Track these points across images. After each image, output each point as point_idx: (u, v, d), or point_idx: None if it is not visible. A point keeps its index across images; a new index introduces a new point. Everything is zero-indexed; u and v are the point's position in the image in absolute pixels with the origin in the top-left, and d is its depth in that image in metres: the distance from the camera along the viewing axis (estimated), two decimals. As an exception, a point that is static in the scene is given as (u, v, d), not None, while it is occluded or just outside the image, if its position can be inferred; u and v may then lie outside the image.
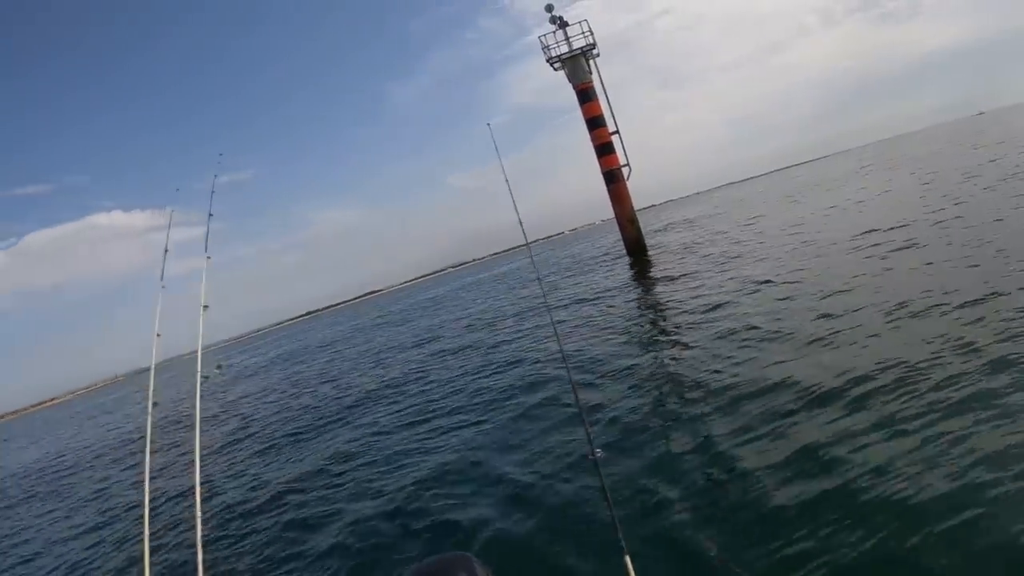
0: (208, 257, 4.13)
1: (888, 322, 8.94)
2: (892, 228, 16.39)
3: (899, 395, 6.41)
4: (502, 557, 5.59)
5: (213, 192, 4.62)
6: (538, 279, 6.67)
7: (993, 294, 8.68)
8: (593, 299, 19.73)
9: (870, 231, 16.96)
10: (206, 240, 4.25)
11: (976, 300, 8.62)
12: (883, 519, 4.46)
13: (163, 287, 4.03)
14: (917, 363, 7.05)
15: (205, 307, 3.96)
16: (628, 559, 2.59)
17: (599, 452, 3.28)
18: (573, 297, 21.33)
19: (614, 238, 31.18)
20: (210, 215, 4.47)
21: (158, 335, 3.90)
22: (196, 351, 3.96)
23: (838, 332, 9.15)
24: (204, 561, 3.16)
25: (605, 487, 3.12)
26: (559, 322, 16.60)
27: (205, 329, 3.95)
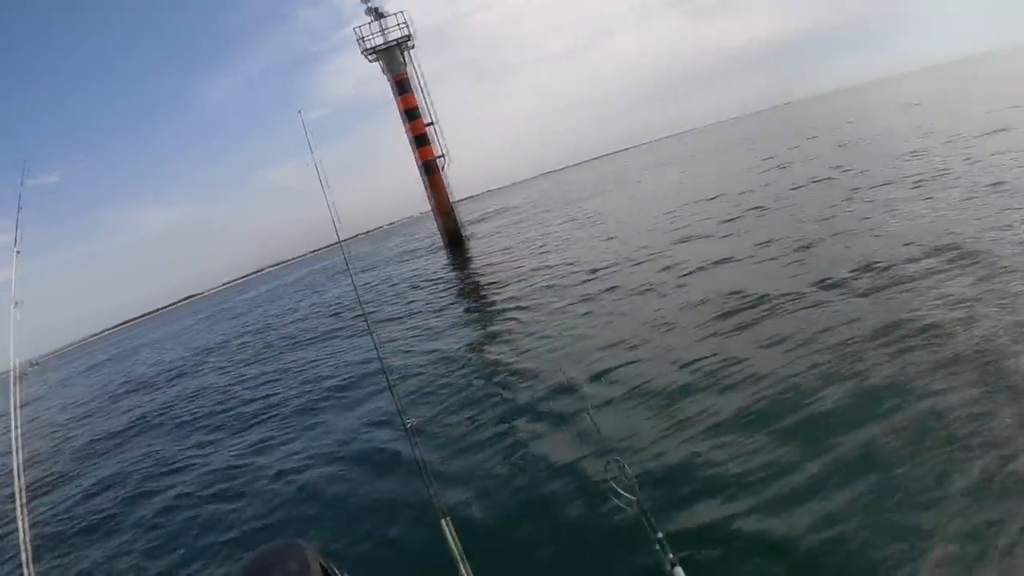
0: (17, 252, 3.91)
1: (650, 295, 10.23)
2: (669, 213, 18.10)
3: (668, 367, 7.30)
4: (329, 535, 5.79)
5: (22, 183, 4.50)
6: (350, 274, 6.81)
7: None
8: (409, 291, 20.07)
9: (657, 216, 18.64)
10: (16, 233, 4.05)
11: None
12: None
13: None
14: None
15: (17, 303, 3.71)
16: (444, 522, 2.80)
17: (411, 421, 3.44)
18: (388, 292, 21.50)
19: (433, 229, 31.43)
20: (19, 208, 4.26)
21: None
22: (8, 348, 3.80)
23: (603, 307, 10.68)
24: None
25: (419, 456, 3.28)
26: (371, 313, 16.86)
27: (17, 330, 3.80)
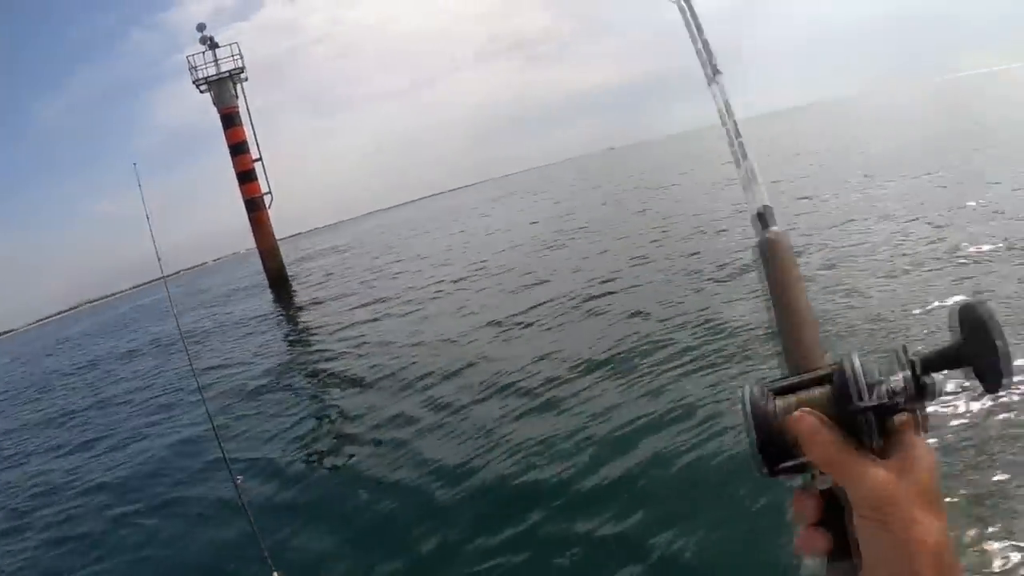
0: None
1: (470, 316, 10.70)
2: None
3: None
4: None
5: None
6: (175, 316, 6.59)
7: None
8: (232, 333, 19.57)
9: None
10: None
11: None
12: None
13: None
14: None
15: None
16: (275, 574, 2.88)
17: (240, 478, 3.44)
18: (211, 333, 20.78)
19: (258, 267, 30.57)
20: None
21: None
22: None
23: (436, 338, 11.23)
24: None
25: (247, 508, 3.32)
26: (196, 358, 16.18)
27: None
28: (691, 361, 7.09)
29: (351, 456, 7.38)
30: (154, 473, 9.09)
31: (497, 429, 6.76)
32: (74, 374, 22.83)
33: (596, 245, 16.25)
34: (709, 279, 10.29)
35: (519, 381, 8.04)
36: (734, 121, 0.86)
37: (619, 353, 8.03)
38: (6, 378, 29.49)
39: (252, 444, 8.74)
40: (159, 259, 6.02)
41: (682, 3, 0.97)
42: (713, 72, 0.92)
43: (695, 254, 12.38)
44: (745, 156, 0.82)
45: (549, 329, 10.21)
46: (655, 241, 14.92)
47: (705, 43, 0.95)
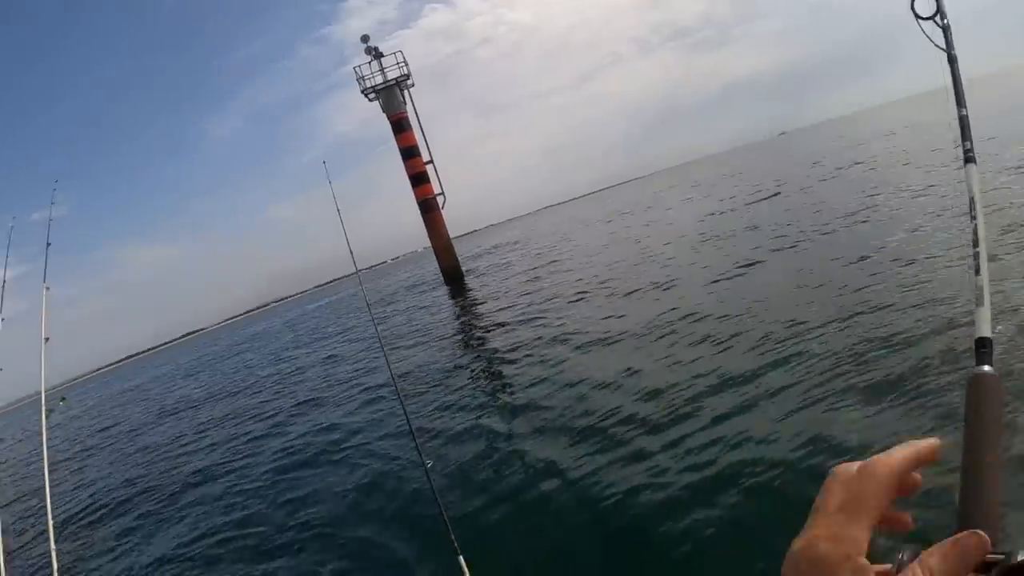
0: (47, 288, 4.04)
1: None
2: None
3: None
4: (341, 567, 5.83)
5: (51, 220, 4.58)
6: (367, 305, 6.72)
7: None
8: (414, 326, 20.05)
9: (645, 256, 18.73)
10: (44, 270, 4.17)
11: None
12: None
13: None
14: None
15: (47, 339, 3.87)
16: (461, 559, 2.80)
17: (429, 462, 3.50)
18: (395, 326, 21.49)
19: (435, 266, 31.60)
20: (48, 244, 4.44)
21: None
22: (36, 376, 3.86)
23: (622, 335, 10.54)
24: None
25: (436, 492, 3.31)
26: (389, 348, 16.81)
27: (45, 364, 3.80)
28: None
29: (539, 447, 7.08)
30: (347, 451, 9.38)
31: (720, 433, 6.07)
32: (270, 365, 24.51)
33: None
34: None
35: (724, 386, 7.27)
36: (980, 214, 0.89)
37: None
38: (218, 368, 31.86)
39: (441, 429, 8.77)
40: (351, 253, 6.31)
41: (949, 71, 1.04)
42: (966, 158, 0.91)
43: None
44: (978, 271, 0.83)
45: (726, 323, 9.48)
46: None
47: (964, 119, 0.97)
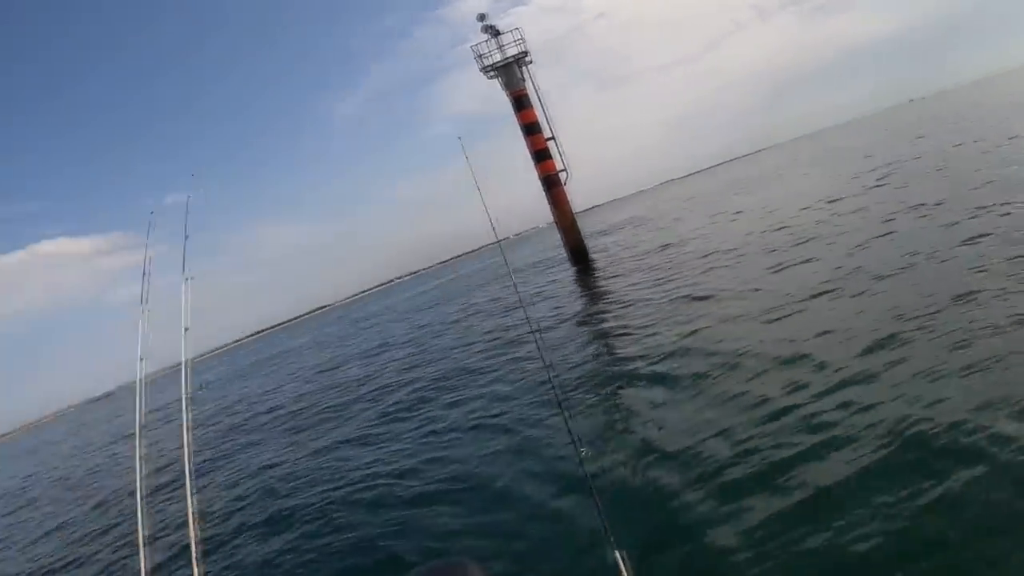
0: (187, 279, 4.13)
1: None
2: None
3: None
4: (497, 559, 5.62)
5: (188, 213, 4.64)
6: (510, 273, 6.32)
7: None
8: (544, 303, 19.77)
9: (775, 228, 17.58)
10: (183, 262, 4.22)
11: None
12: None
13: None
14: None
15: (186, 329, 3.94)
16: (619, 554, 2.59)
17: (584, 450, 3.33)
18: (533, 300, 21.33)
19: (557, 241, 31.35)
20: (186, 236, 4.48)
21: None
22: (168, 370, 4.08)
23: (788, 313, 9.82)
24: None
25: (591, 484, 3.15)
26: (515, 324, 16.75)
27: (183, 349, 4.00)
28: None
29: (700, 440, 6.57)
30: (499, 429, 9.28)
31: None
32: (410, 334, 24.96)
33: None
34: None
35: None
36: None
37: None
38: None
39: (594, 416, 8.46)
40: (493, 225, 6.10)
41: None
42: None
43: None
44: None
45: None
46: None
47: None
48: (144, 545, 3.38)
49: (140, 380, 3.91)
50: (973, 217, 11.57)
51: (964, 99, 76.37)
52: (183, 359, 3.94)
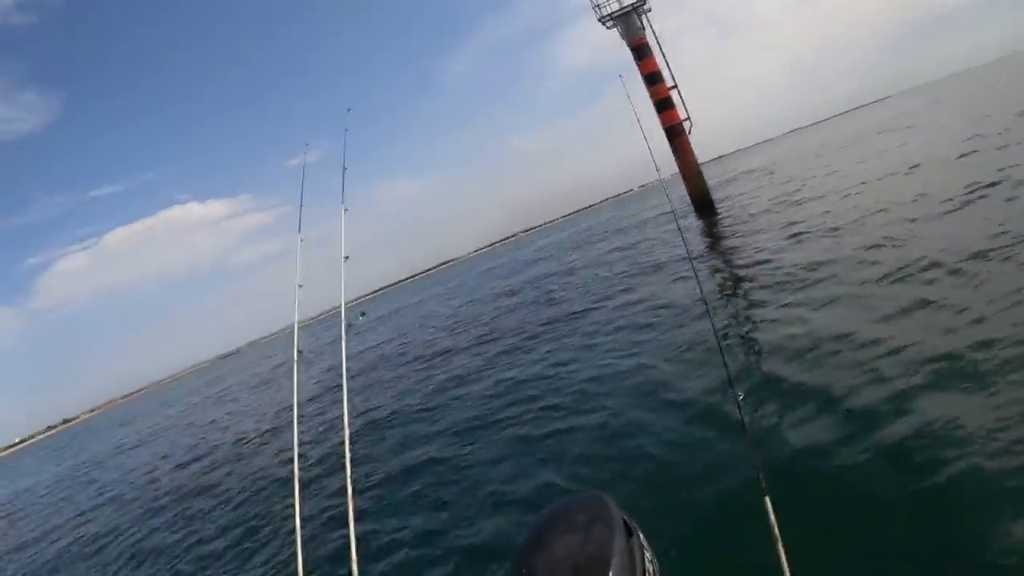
0: (345, 209, 4.42)
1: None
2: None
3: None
4: (641, 496, 5.69)
5: (345, 146, 4.97)
6: (675, 216, 6.20)
7: None
8: (673, 258, 19.51)
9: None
10: (342, 192, 4.56)
11: None
12: None
13: (301, 240, 4.45)
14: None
15: (346, 258, 4.20)
16: (768, 500, 2.57)
17: (740, 394, 3.29)
18: (654, 259, 21.18)
19: (682, 192, 30.69)
20: (344, 168, 4.84)
21: (300, 286, 4.25)
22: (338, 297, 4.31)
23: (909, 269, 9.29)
24: (354, 510, 3.27)
25: (746, 427, 3.11)
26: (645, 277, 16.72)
27: (342, 282, 4.21)
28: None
29: (863, 388, 6.27)
30: (654, 372, 9.22)
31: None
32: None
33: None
34: None
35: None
36: None
37: None
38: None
39: (750, 358, 8.39)
40: (656, 166, 6.26)
41: None
42: None
43: None
44: None
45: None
46: None
47: None
48: (298, 459, 3.75)
49: (297, 303, 4.26)
50: None
51: None
52: (342, 284, 4.17)
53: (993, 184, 12.51)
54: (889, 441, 5.17)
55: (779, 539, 2.41)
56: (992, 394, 5.28)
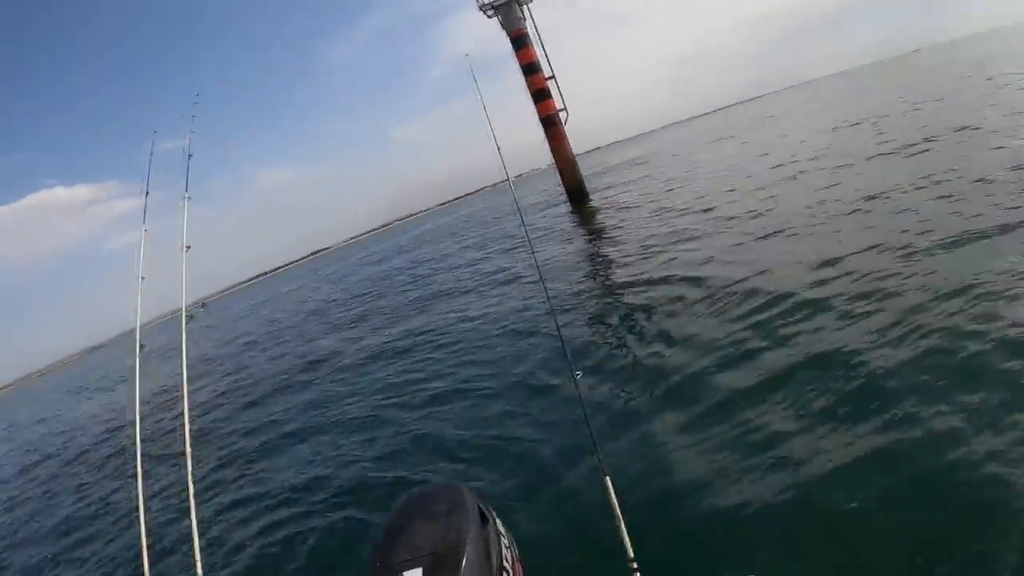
0: (188, 197, 4.29)
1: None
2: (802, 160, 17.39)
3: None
4: (488, 482, 5.79)
5: (191, 133, 4.91)
6: (520, 215, 6.03)
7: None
8: (546, 241, 20.10)
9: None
10: (186, 180, 4.49)
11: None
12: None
13: (145, 230, 4.19)
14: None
15: (187, 247, 4.10)
16: (609, 480, 2.70)
17: (579, 374, 3.37)
18: (515, 246, 21.76)
19: (556, 182, 31.46)
20: (189, 155, 4.76)
21: (142, 278, 4.05)
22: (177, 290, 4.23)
23: (761, 255, 10.18)
24: (197, 515, 3.38)
25: (584, 408, 3.21)
26: (502, 267, 17.23)
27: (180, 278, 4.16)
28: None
29: (684, 370, 6.83)
30: (496, 350, 9.73)
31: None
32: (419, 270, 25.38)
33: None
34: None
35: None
36: None
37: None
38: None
39: (589, 344, 8.71)
40: (503, 162, 6.01)
41: None
42: None
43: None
44: None
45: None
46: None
47: None
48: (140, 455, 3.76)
49: (139, 297, 4.03)
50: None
51: (948, 55, 74.44)
52: (182, 274, 4.08)
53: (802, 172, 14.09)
54: (716, 416, 5.66)
55: (620, 517, 2.55)
56: (804, 367, 5.97)
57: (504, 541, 2.12)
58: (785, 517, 4.10)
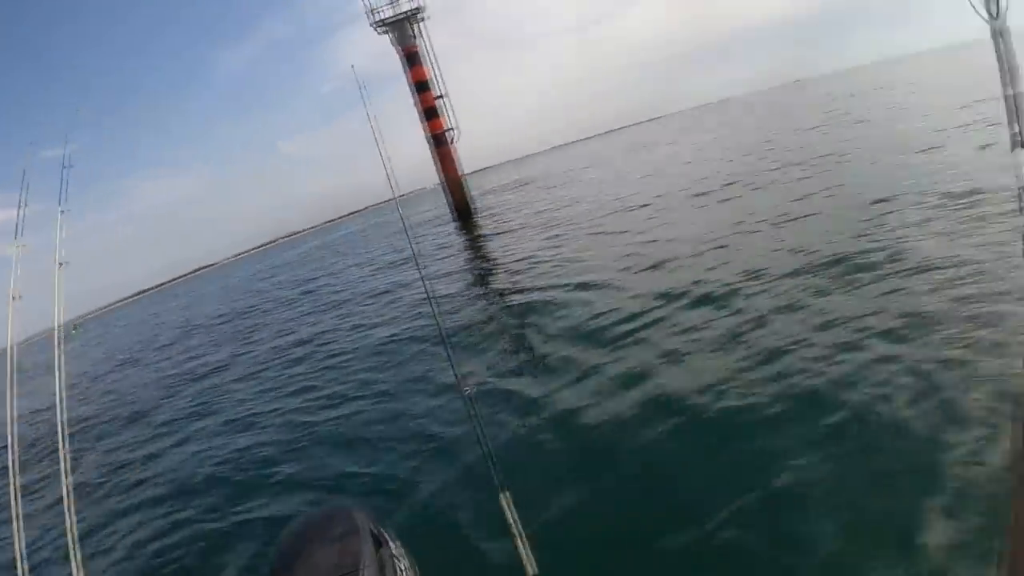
0: (63, 211, 4.03)
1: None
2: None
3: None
4: (382, 501, 5.70)
5: (68, 143, 4.48)
6: (408, 236, 5.82)
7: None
8: (430, 259, 20.15)
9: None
10: (61, 192, 4.19)
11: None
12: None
13: (20, 246, 3.78)
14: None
15: (61, 264, 3.78)
16: (505, 496, 2.70)
17: (468, 389, 3.31)
18: (404, 260, 21.75)
19: (443, 201, 31.69)
20: (64, 166, 4.36)
21: (15, 298, 3.62)
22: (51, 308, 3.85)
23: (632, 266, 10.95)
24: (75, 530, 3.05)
25: (479, 424, 3.17)
26: (390, 283, 17.33)
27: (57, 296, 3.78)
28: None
29: (574, 379, 7.11)
30: (384, 369, 9.72)
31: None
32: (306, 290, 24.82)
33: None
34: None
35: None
36: None
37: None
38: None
39: (478, 360, 8.77)
40: (391, 181, 5.66)
41: (995, 45, 0.89)
42: (1016, 142, 0.89)
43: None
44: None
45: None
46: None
47: (1015, 99, 0.87)
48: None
49: (11, 319, 3.62)
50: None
51: (852, 82, 79.85)
52: (55, 291, 3.80)
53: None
54: (610, 424, 5.88)
55: (520, 534, 2.57)
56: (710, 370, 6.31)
57: (401, 564, 2.12)
58: (676, 528, 4.24)
